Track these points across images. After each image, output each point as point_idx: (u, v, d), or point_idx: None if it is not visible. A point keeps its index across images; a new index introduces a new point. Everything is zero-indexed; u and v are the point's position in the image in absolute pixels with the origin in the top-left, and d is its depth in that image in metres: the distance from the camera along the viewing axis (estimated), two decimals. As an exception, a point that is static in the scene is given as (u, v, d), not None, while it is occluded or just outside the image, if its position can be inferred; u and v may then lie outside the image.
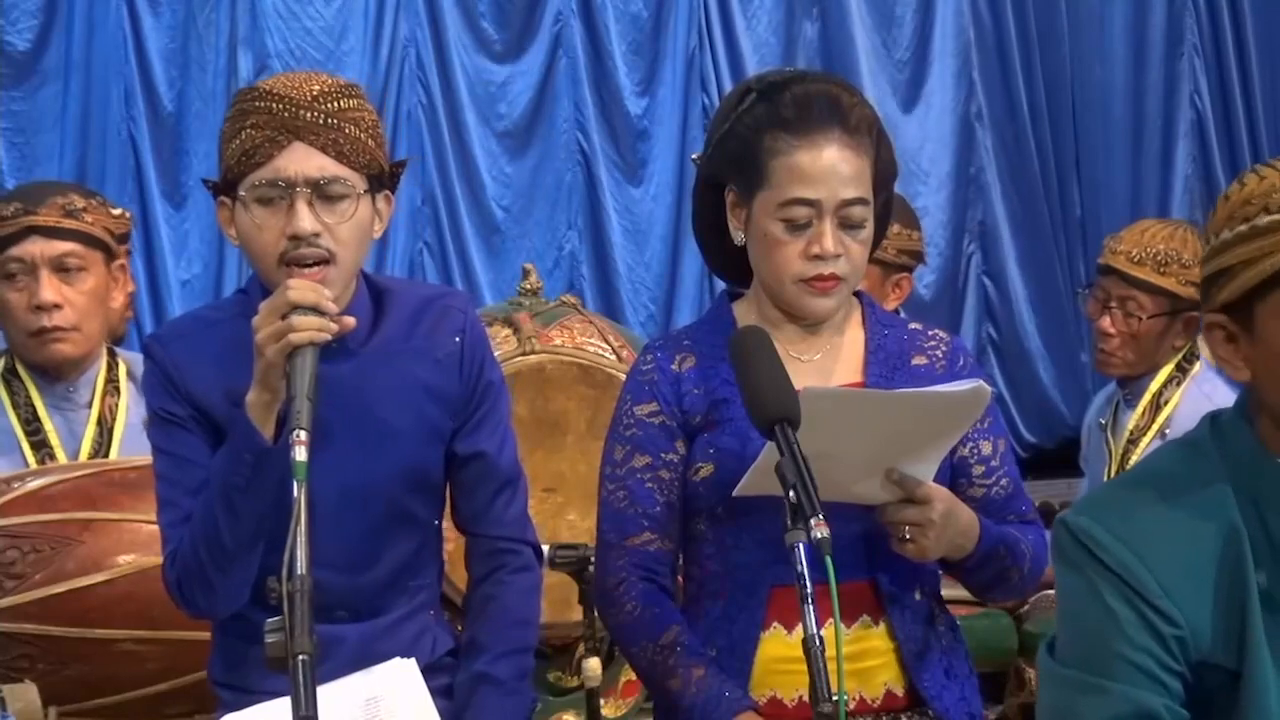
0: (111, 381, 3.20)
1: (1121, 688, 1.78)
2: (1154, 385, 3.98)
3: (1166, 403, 3.96)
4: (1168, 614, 1.79)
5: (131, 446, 3.08)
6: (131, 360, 3.22)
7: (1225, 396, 3.95)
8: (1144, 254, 3.98)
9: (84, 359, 3.17)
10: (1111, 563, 1.82)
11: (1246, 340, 1.86)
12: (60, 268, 3.11)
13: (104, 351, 3.22)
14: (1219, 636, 1.81)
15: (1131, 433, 4.02)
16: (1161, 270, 3.93)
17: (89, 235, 3.14)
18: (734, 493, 2.32)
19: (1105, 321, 4.00)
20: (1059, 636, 1.90)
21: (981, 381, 2.31)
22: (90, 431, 3.15)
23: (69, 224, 3.12)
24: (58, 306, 3.09)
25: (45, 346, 3.12)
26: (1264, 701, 1.79)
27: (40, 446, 3.11)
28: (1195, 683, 1.81)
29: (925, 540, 2.31)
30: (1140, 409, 4.00)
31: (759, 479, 2.25)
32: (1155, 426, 3.96)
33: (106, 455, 3.12)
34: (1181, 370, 3.98)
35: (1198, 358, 4.02)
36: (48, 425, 3.13)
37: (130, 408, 3.16)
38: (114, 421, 3.17)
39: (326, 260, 2.28)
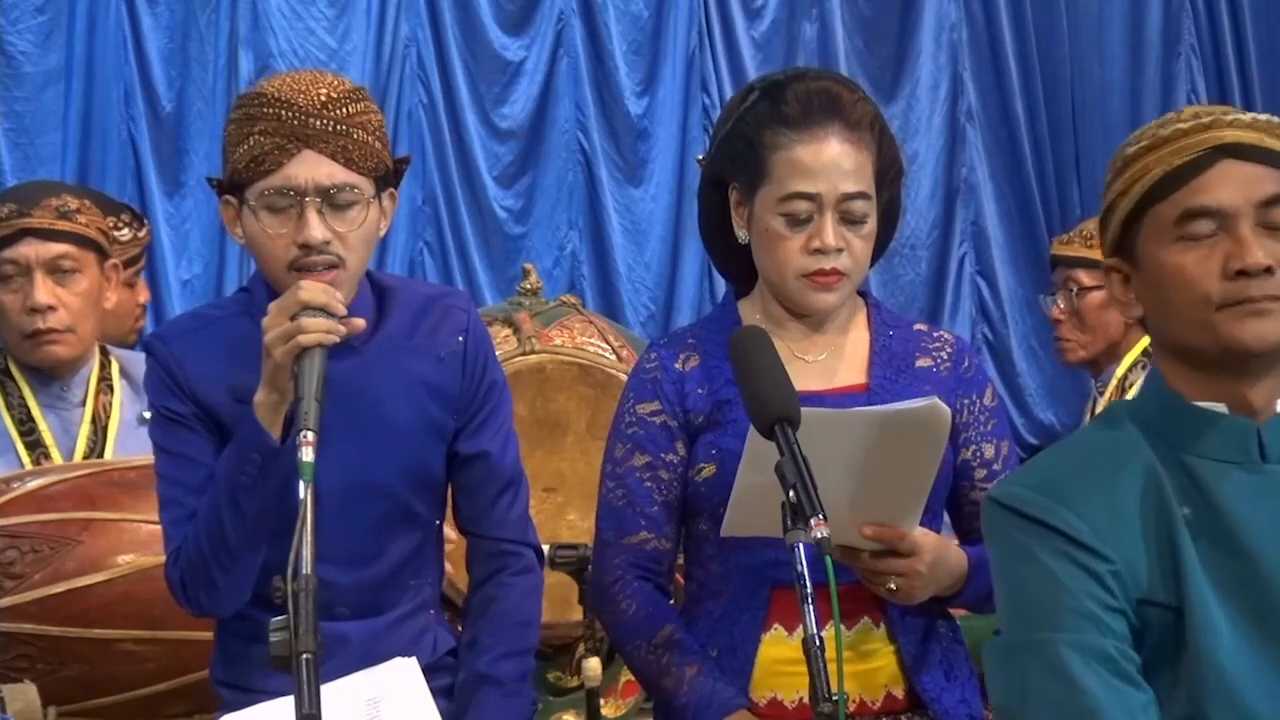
0: (104, 380, 3.20)
1: (1067, 635, 1.80)
2: (1120, 370, 3.97)
3: (1131, 385, 3.94)
4: (1100, 552, 1.82)
5: (126, 444, 3.10)
6: (124, 358, 3.24)
7: None
8: (1074, 235, 4.06)
9: (78, 360, 3.17)
10: (1039, 514, 1.85)
11: (1136, 275, 1.92)
12: (54, 269, 3.10)
13: (96, 350, 3.22)
14: (1155, 573, 1.83)
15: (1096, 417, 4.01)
16: (1088, 243, 3.96)
17: (83, 236, 3.14)
18: (721, 533, 2.31)
19: (1054, 310, 4.02)
20: (1000, 617, 1.92)
21: (936, 399, 2.24)
22: (84, 430, 3.15)
23: (63, 225, 3.11)
24: (52, 308, 3.09)
25: (40, 348, 3.12)
26: (1209, 624, 1.81)
27: (35, 446, 3.11)
28: (1141, 625, 1.83)
29: (912, 591, 2.30)
30: (1107, 394, 3.99)
31: (741, 516, 2.24)
32: None
33: (101, 453, 3.12)
34: (1148, 355, 3.97)
35: None
36: (42, 425, 3.13)
37: (124, 405, 3.17)
38: (108, 420, 3.17)
39: (336, 265, 2.29)
